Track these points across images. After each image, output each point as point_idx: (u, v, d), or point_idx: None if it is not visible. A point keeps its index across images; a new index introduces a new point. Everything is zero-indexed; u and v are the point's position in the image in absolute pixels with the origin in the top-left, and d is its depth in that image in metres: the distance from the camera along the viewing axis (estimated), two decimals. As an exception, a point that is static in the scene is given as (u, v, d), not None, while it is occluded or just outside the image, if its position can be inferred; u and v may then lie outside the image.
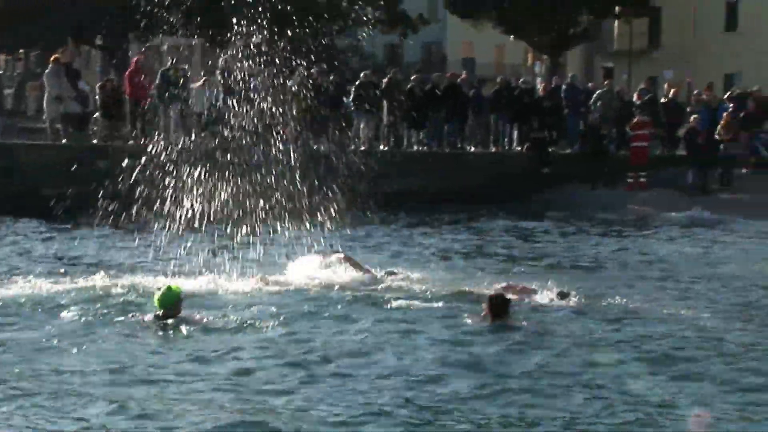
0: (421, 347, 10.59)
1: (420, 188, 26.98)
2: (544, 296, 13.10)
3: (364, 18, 61.01)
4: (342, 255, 14.84)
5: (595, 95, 30.73)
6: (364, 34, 61.88)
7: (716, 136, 28.44)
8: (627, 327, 11.81)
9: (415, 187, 26.99)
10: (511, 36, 58.52)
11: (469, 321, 11.60)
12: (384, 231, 21.16)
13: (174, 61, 27.74)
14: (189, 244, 15.06)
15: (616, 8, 54.74)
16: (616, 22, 59.93)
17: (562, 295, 13.11)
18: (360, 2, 60.17)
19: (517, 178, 28.36)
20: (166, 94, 26.49)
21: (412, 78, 30.35)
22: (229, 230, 15.59)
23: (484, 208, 25.71)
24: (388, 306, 12.56)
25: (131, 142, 26.71)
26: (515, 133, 30.63)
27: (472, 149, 29.77)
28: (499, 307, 11.33)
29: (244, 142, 18.03)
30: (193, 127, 27.10)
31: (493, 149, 30.00)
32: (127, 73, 27.39)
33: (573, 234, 22.20)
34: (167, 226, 14.89)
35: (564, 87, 31.48)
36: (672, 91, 32.11)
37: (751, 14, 56.59)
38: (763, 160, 29.29)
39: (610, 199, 27.49)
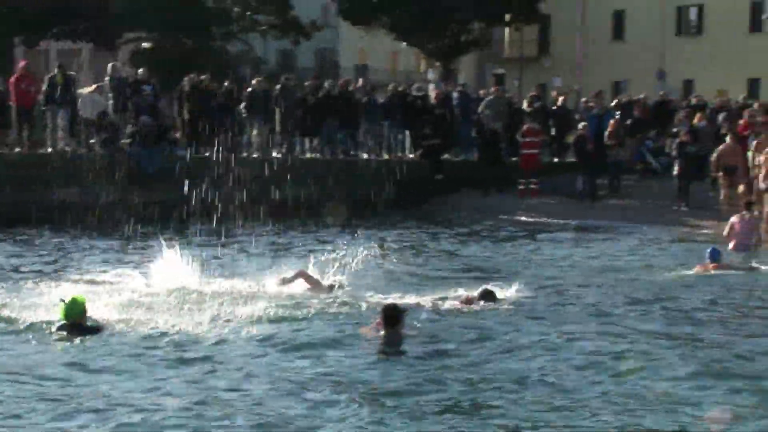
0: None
1: (313, 196, 26.94)
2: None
3: (256, 24, 60.74)
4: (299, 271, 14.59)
5: (483, 102, 31.04)
6: (255, 40, 61.60)
7: (608, 141, 28.97)
8: (536, 328, 12.06)
9: (308, 195, 26.95)
10: (404, 43, 58.88)
11: (362, 332, 11.60)
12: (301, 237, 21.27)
13: (61, 66, 27.24)
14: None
15: (507, 16, 55.42)
16: (507, 30, 60.74)
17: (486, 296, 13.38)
18: (252, 8, 59.92)
19: (411, 185, 28.53)
20: (54, 100, 26.00)
21: (305, 85, 30.31)
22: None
23: (380, 215, 25.83)
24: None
25: (18, 149, 26.18)
26: (408, 140, 30.82)
27: (366, 156, 29.83)
28: (391, 318, 11.30)
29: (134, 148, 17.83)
30: (82, 134, 26.70)
31: (387, 156, 30.11)
32: (12, 79, 26.79)
33: (466, 239, 22.41)
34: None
35: (456, 94, 31.78)
36: (560, 98, 32.67)
37: (637, 24, 57.94)
38: (650, 166, 29.94)
39: (502, 206, 27.85)
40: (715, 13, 55.43)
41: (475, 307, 13.16)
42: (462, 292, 13.87)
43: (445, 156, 30.46)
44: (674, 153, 27.02)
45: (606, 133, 29.05)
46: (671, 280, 16.36)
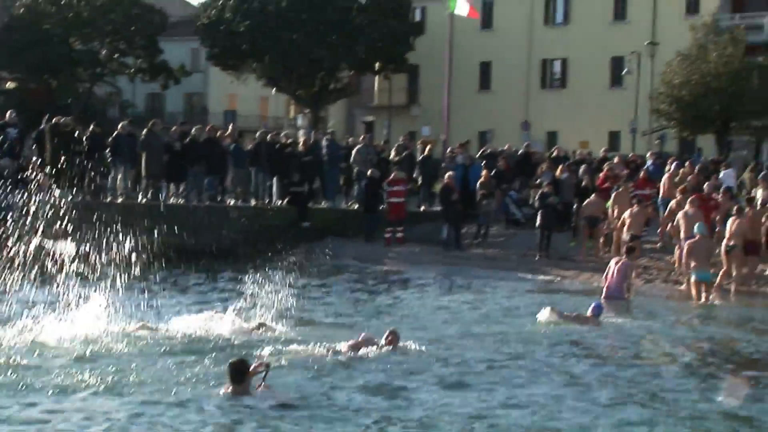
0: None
1: (178, 242, 26.63)
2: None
3: (124, 66, 60.02)
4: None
5: (354, 150, 31.26)
6: (124, 83, 60.89)
7: (479, 192, 29.38)
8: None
9: (173, 241, 26.62)
10: (273, 89, 58.98)
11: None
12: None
13: None
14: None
15: (376, 64, 56.05)
16: (377, 78, 61.39)
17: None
18: (120, 50, 59.21)
19: (277, 231, 28.45)
20: None
21: (172, 130, 30.03)
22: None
23: (245, 263, 25.62)
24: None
25: None
26: (275, 187, 30.76)
27: (232, 203, 29.66)
28: (238, 373, 11.08)
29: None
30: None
31: (254, 203, 29.99)
32: None
33: (334, 288, 22.41)
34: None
35: (324, 141, 31.90)
36: (427, 147, 33.08)
37: (503, 75, 59.23)
38: (513, 217, 30.48)
39: (368, 253, 27.99)
40: (577, 67, 57.07)
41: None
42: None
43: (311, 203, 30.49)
44: (537, 204, 27.55)
45: (478, 184, 29.51)
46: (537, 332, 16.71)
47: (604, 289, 20.55)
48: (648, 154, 36.05)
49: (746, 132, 46.14)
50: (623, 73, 52.19)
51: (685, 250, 21.76)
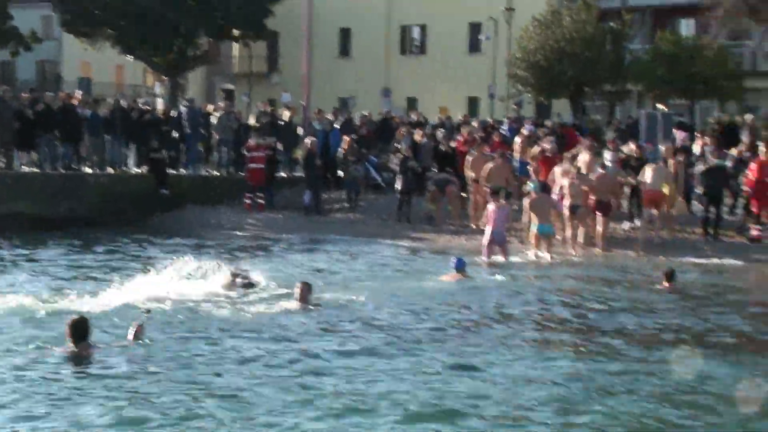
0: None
1: (32, 211, 26.21)
2: None
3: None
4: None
5: (214, 118, 31.13)
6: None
7: (347, 158, 29.52)
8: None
9: (26, 210, 26.19)
10: (130, 56, 57.95)
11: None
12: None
13: None
14: None
15: (235, 31, 55.56)
16: (236, 45, 60.90)
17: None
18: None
19: (137, 199, 28.23)
20: None
21: (23, 97, 29.34)
22: None
23: (103, 231, 25.38)
24: None
25: None
26: (133, 155, 30.42)
27: (89, 171, 29.20)
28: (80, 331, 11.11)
29: None
30: None
31: (111, 171, 29.58)
32: None
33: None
34: None
35: (184, 109, 31.65)
36: (288, 113, 33.11)
37: (363, 42, 59.40)
38: (374, 182, 30.78)
39: (229, 220, 27.97)
40: (436, 33, 57.57)
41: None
42: None
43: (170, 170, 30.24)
44: (397, 169, 27.89)
45: (341, 150, 29.69)
46: (424, 289, 17.15)
47: (488, 235, 21.43)
48: (505, 118, 36.83)
49: (600, 96, 47.33)
50: (481, 38, 52.89)
51: (526, 205, 22.53)
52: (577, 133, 31.64)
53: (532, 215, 22.20)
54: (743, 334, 14.06)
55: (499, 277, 18.75)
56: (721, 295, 17.65)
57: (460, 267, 18.06)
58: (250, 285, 15.90)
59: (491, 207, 21.88)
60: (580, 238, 23.15)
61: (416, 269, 20.05)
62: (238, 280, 15.86)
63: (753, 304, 17.03)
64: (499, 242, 21.55)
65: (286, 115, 32.99)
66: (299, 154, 31.54)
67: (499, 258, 21.35)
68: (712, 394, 10.42)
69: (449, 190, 26.55)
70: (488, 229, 21.64)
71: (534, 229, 22.27)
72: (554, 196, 23.35)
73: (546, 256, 21.77)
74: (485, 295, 16.61)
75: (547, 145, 26.41)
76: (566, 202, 22.98)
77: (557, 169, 24.24)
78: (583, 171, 23.75)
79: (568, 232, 23.26)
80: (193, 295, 15.07)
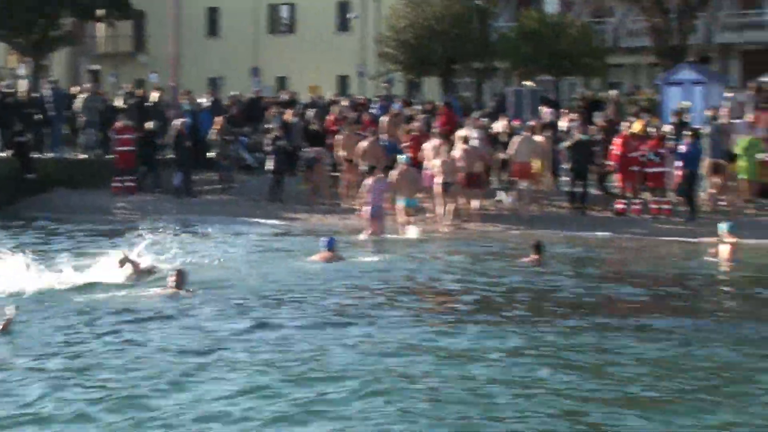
0: None
1: None
2: None
3: None
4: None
5: (79, 99, 30.49)
6: None
7: (214, 139, 29.25)
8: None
9: None
10: (-10, 37, 56.31)
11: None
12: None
13: None
14: None
15: (99, 11, 54.41)
16: (101, 25, 59.70)
17: None
18: None
19: (1, 184, 27.55)
20: None
21: None
22: None
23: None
24: None
25: None
26: (-3, 138, 29.67)
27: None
28: None
29: None
30: None
31: (-27, 155, 28.80)
32: None
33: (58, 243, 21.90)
34: None
35: (48, 91, 30.94)
36: (156, 94, 32.62)
37: (231, 21, 58.86)
38: (245, 162, 30.62)
39: (97, 204, 27.48)
40: (305, 12, 57.39)
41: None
42: None
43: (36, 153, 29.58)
44: (268, 149, 27.76)
45: (213, 131, 29.38)
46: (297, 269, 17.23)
47: (368, 209, 21.82)
48: (374, 97, 36.98)
49: (468, 74, 47.90)
50: (349, 17, 52.95)
51: (393, 178, 22.73)
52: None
53: (400, 189, 22.42)
54: (603, 301, 14.54)
55: (369, 258, 18.89)
56: (586, 266, 18.14)
57: (330, 246, 18.12)
58: (147, 272, 15.64)
59: (369, 181, 22.03)
60: (451, 215, 23.46)
61: (288, 249, 20.06)
62: (128, 266, 15.58)
63: (614, 274, 17.58)
64: (377, 216, 21.75)
65: (154, 96, 32.50)
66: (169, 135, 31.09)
67: (376, 234, 21.56)
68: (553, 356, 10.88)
69: (317, 169, 26.56)
70: (367, 204, 21.76)
71: (401, 203, 22.54)
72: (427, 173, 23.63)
73: (413, 230, 22.03)
74: (352, 274, 16.71)
75: (417, 123, 26.64)
76: (438, 179, 23.24)
77: (428, 146, 24.51)
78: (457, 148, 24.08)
79: (440, 209, 23.55)
80: (78, 282, 14.88)
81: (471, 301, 14.45)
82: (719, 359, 11.03)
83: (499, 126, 26.92)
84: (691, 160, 22.64)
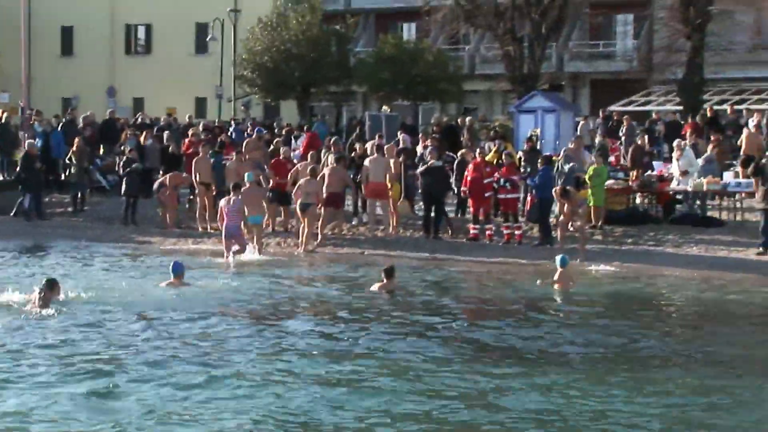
0: None
1: None
2: None
3: None
4: None
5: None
6: None
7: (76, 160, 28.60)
8: None
9: None
10: None
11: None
12: None
13: None
14: None
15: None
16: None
17: None
18: None
19: None
20: None
21: None
22: None
23: None
24: None
25: None
26: None
27: None
28: None
29: None
30: None
31: None
32: None
33: None
34: None
35: None
36: (4, 115, 31.76)
37: (86, 41, 57.84)
38: (99, 184, 30.09)
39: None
40: (162, 33, 56.80)
41: None
42: None
43: None
44: (121, 171, 27.26)
45: (72, 152, 28.74)
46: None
47: (224, 230, 21.71)
48: (231, 120, 36.81)
49: (326, 97, 48.11)
50: (208, 39, 52.47)
51: (241, 198, 22.71)
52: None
53: (246, 208, 22.39)
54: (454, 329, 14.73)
55: (218, 281, 18.74)
56: (435, 291, 18.31)
57: (178, 271, 17.88)
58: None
59: (222, 203, 21.92)
60: (308, 238, 23.42)
61: (140, 274, 19.72)
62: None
63: (467, 299, 17.81)
64: (234, 236, 21.63)
65: (3, 116, 31.63)
66: (18, 156, 30.30)
67: (239, 254, 21.52)
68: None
69: (169, 192, 26.14)
70: (224, 225, 21.75)
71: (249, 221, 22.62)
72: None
73: (255, 251, 21.99)
74: (194, 301, 16.55)
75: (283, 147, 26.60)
76: (299, 201, 23.21)
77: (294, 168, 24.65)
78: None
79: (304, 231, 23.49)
80: None
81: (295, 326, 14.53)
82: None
83: (358, 148, 27.05)
84: (542, 186, 23.07)
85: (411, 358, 12.44)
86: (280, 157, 25.98)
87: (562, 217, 22.18)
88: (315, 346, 13.12)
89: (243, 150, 26.70)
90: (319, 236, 23.52)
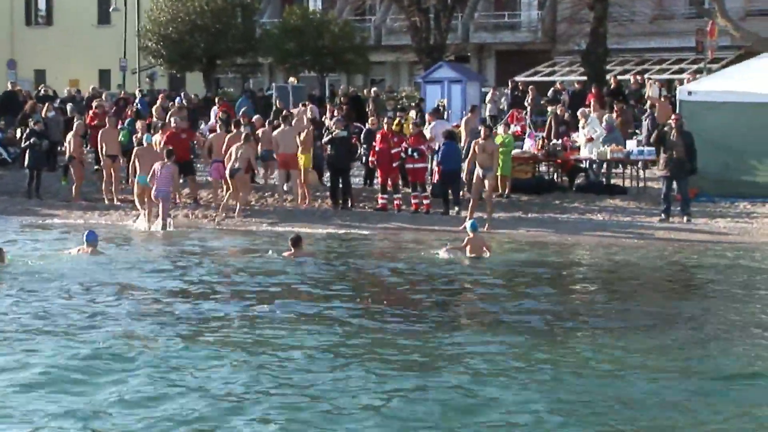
0: None
1: None
2: None
3: None
4: None
5: None
6: None
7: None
8: None
9: None
10: None
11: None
12: None
13: None
14: None
15: None
16: None
17: None
18: None
19: None
20: None
21: None
22: None
23: None
24: None
25: None
26: None
27: None
28: None
29: None
30: None
31: None
32: None
33: None
34: None
35: None
36: None
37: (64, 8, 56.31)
38: (0, 157, 29.55)
39: None
40: (64, 4, 55.71)
41: None
42: None
43: None
44: (24, 143, 26.74)
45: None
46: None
47: (153, 190, 21.70)
48: (137, 92, 36.30)
49: (232, 69, 47.66)
50: (111, 9, 51.62)
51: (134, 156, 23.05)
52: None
53: (137, 166, 22.57)
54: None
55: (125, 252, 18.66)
56: (342, 260, 18.36)
57: (91, 240, 17.74)
58: None
59: (157, 165, 21.89)
60: (230, 201, 23.46)
61: (47, 245, 19.45)
62: None
63: (373, 267, 17.88)
64: (161, 197, 21.69)
65: None
66: None
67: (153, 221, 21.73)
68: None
69: (75, 164, 25.69)
70: (153, 185, 21.77)
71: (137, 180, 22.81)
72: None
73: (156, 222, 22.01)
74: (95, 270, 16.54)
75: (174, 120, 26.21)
76: (229, 165, 23.12)
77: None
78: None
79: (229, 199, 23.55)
80: None
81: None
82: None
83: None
84: (445, 159, 23.22)
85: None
86: (173, 128, 25.43)
87: (474, 179, 22.01)
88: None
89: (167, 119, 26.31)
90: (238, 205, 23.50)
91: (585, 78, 35.18)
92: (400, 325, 12.67)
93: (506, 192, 24.30)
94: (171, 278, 16.13)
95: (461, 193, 23.47)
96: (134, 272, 16.54)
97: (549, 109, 29.76)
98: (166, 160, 21.96)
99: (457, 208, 22.95)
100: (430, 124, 25.40)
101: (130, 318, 12.92)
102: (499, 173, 23.48)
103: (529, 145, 26.23)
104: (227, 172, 23.24)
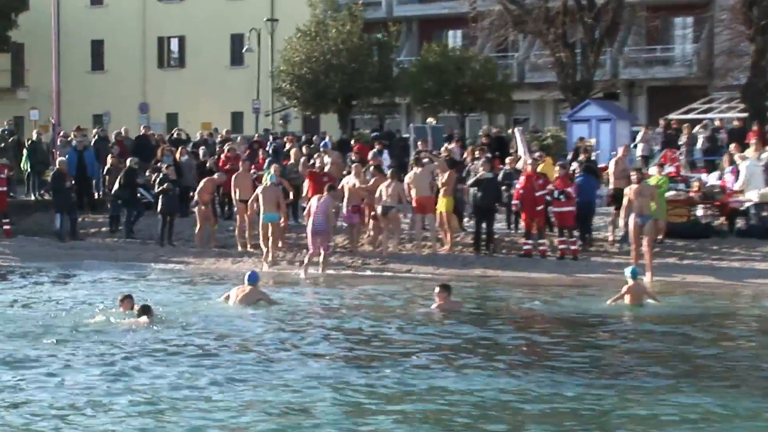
0: None
1: None
2: None
3: None
4: None
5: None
6: None
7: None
8: None
9: None
10: None
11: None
12: None
13: None
14: None
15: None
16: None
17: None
18: None
19: None
20: None
21: None
22: None
23: None
24: None
25: None
26: None
27: None
28: None
29: None
30: None
31: None
32: None
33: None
34: None
35: None
36: (36, 132, 32.21)
37: (117, 55, 58.43)
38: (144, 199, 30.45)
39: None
40: (196, 45, 57.22)
41: None
42: None
43: None
44: (157, 188, 27.37)
45: (106, 170, 29.14)
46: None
47: (310, 224, 22.89)
48: (268, 133, 37.00)
49: (368, 110, 48.14)
50: (244, 50, 52.87)
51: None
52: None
53: (261, 205, 23.75)
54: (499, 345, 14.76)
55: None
56: (494, 307, 18.37)
57: (253, 281, 18.14)
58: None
59: (313, 200, 23.20)
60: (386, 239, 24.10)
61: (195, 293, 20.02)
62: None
63: (523, 318, 17.82)
64: (319, 232, 22.69)
65: (34, 133, 32.09)
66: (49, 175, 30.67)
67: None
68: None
69: (205, 211, 26.31)
70: (310, 221, 22.84)
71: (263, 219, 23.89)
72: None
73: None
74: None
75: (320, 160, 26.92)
76: (378, 206, 23.86)
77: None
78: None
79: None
80: None
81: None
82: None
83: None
84: (580, 191, 23.44)
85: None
86: (315, 169, 26.41)
87: (631, 226, 21.84)
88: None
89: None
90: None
91: (746, 114, 34.55)
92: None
93: (662, 237, 23.94)
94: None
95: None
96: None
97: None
98: (326, 193, 23.03)
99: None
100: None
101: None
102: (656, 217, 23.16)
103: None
104: (379, 209, 23.77)
